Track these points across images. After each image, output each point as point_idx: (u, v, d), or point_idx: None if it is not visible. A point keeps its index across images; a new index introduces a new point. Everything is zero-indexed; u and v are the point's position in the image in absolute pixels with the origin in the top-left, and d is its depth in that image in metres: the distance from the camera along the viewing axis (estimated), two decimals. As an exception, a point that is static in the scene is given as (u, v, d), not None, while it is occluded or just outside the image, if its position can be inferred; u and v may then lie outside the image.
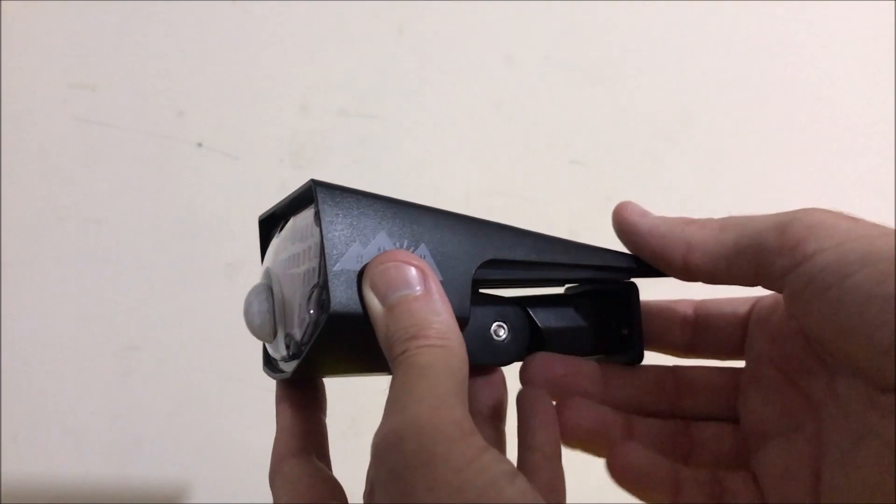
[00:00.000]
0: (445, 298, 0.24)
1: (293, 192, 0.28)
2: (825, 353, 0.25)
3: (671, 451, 0.28)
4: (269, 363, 0.31)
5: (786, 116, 0.66)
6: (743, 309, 0.30)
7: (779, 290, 0.25)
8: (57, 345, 0.63)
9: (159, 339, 0.64)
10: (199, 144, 0.64)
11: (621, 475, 0.28)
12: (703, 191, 0.66)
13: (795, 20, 0.66)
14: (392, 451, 0.21)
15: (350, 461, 0.64)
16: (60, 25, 0.64)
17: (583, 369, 0.30)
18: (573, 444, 0.29)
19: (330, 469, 0.29)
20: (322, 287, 0.25)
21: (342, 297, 0.24)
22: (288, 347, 0.28)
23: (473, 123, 0.65)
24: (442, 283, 0.25)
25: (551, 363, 0.29)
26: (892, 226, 0.24)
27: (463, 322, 0.26)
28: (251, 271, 0.67)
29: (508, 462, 0.21)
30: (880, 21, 0.66)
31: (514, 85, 0.66)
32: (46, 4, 0.64)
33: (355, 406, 0.66)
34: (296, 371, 0.27)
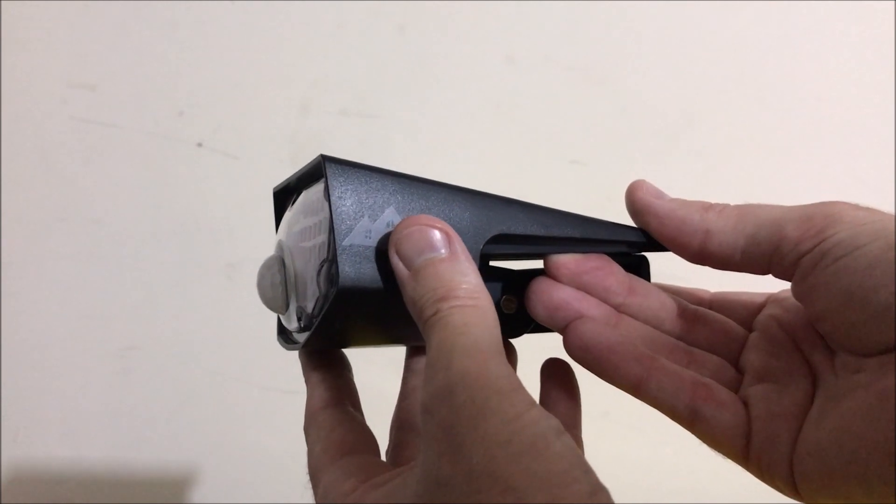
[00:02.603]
0: (471, 259, 0.25)
1: (305, 166, 0.28)
2: (825, 329, 0.25)
3: (666, 356, 0.28)
4: (283, 334, 0.31)
5: (786, 116, 0.66)
6: (759, 299, 0.31)
7: (789, 278, 0.26)
8: (57, 344, 0.63)
9: (159, 339, 0.64)
10: (199, 144, 0.64)
11: (575, 344, 0.27)
12: (703, 190, 0.66)
13: (796, 20, 0.66)
14: (443, 405, 0.21)
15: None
16: (60, 25, 0.64)
17: (614, 269, 0.29)
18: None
19: (364, 420, 0.29)
20: (331, 261, 0.25)
21: (351, 271, 0.24)
22: (300, 319, 0.28)
23: (473, 123, 0.65)
24: None
25: (584, 258, 0.29)
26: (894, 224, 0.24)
27: None
28: (251, 271, 0.67)
29: (555, 418, 0.21)
30: (880, 21, 0.66)
31: (514, 85, 0.66)
32: (46, 4, 0.64)
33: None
34: (307, 342, 0.27)
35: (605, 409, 0.62)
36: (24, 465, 0.63)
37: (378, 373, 0.61)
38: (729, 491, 0.58)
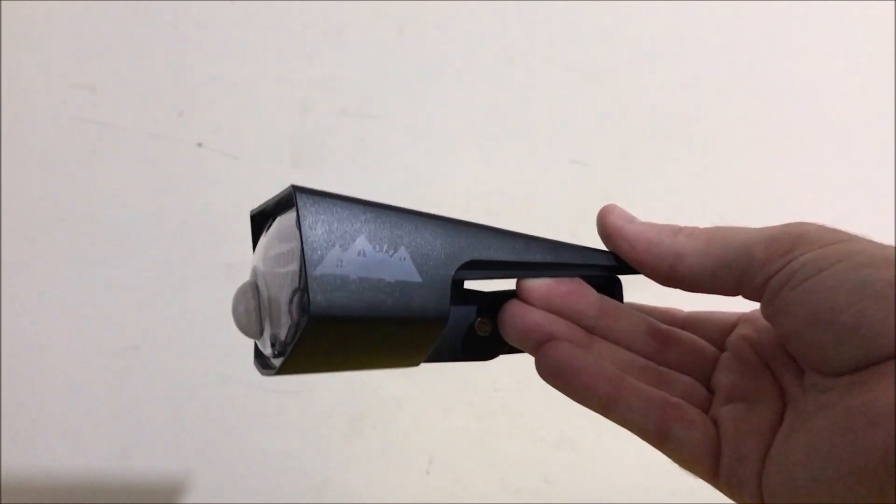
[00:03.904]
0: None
1: (278, 194, 0.28)
2: (794, 349, 0.25)
3: (637, 376, 0.29)
4: (260, 357, 0.31)
5: (785, 116, 0.66)
6: (731, 318, 0.31)
7: (759, 299, 0.26)
8: (57, 345, 0.63)
9: (159, 339, 0.64)
10: (199, 144, 0.64)
11: (546, 365, 0.28)
12: (702, 191, 0.66)
13: (796, 20, 0.66)
14: None
15: (350, 461, 0.64)
16: (60, 25, 0.64)
17: (585, 292, 0.30)
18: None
19: None
20: (303, 290, 0.25)
21: (322, 300, 0.24)
22: (273, 346, 0.28)
23: (473, 123, 0.65)
24: (421, 284, 0.26)
25: (556, 282, 0.30)
26: (893, 224, 0.24)
27: (442, 322, 0.27)
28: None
29: None
30: (880, 21, 0.66)
31: (514, 85, 0.66)
32: (46, 4, 0.64)
33: (356, 406, 0.66)
34: (281, 369, 0.27)
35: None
36: (24, 465, 0.63)
37: (381, 379, 0.61)
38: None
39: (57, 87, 0.64)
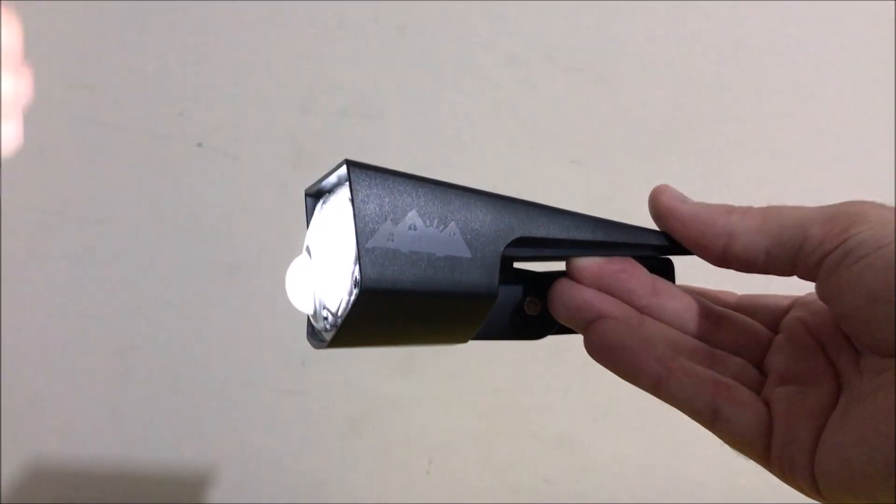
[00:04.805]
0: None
1: (330, 170, 0.29)
2: (849, 329, 0.25)
3: (688, 356, 0.28)
4: (313, 333, 0.32)
5: (785, 116, 0.66)
6: (785, 301, 0.31)
7: (814, 278, 0.26)
8: (57, 344, 0.63)
9: (159, 339, 0.64)
10: (199, 144, 0.64)
11: (595, 344, 0.28)
12: (702, 191, 0.66)
13: (796, 20, 0.66)
14: None
15: (350, 461, 0.64)
16: (60, 25, 0.64)
17: (637, 271, 0.30)
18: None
19: None
20: (354, 263, 0.26)
21: (373, 273, 0.25)
22: (326, 319, 0.29)
23: (473, 123, 0.65)
24: (470, 259, 0.26)
25: (607, 261, 0.30)
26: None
27: (491, 298, 0.27)
28: (251, 271, 0.68)
29: None
30: (880, 21, 0.66)
31: (514, 85, 0.66)
32: (46, 4, 0.64)
33: (355, 406, 0.66)
34: (333, 341, 0.28)
35: (606, 410, 0.62)
36: (24, 465, 0.63)
37: (380, 380, 0.61)
38: (728, 491, 0.58)
39: (57, 87, 0.64)
